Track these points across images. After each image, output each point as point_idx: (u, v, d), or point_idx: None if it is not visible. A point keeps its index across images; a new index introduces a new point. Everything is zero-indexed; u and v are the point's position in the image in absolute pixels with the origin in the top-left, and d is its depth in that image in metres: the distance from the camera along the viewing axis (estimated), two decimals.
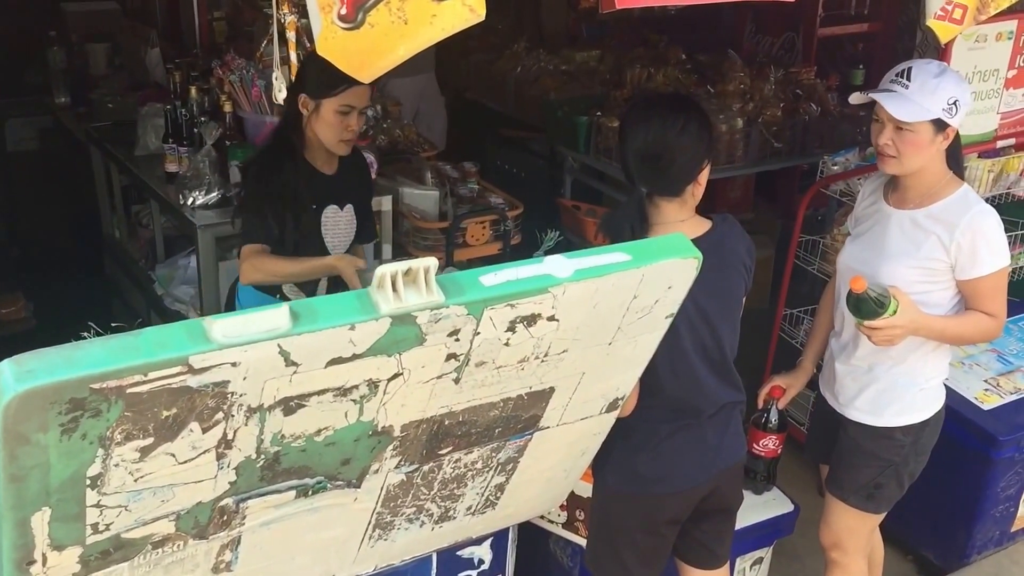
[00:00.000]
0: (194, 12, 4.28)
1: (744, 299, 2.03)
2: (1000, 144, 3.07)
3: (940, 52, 2.80)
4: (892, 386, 2.22)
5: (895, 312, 2.03)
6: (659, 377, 1.85)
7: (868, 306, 2.01)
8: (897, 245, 2.17)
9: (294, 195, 2.34)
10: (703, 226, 1.93)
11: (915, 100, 2.08)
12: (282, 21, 1.59)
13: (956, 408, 2.74)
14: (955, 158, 2.20)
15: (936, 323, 2.13)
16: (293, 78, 1.98)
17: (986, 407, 2.84)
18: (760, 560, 2.59)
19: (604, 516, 2.10)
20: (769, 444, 2.47)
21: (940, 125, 2.08)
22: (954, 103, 2.07)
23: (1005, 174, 3.09)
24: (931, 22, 1.80)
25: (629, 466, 1.99)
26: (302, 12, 1.48)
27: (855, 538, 2.35)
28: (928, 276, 2.13)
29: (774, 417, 2.44)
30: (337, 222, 2.47)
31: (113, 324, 1.76)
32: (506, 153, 4.65)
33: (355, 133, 2.36)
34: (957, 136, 2.17)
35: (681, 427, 1.97)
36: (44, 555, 1.26)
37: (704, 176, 1.91)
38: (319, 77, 2.22)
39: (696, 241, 1.81)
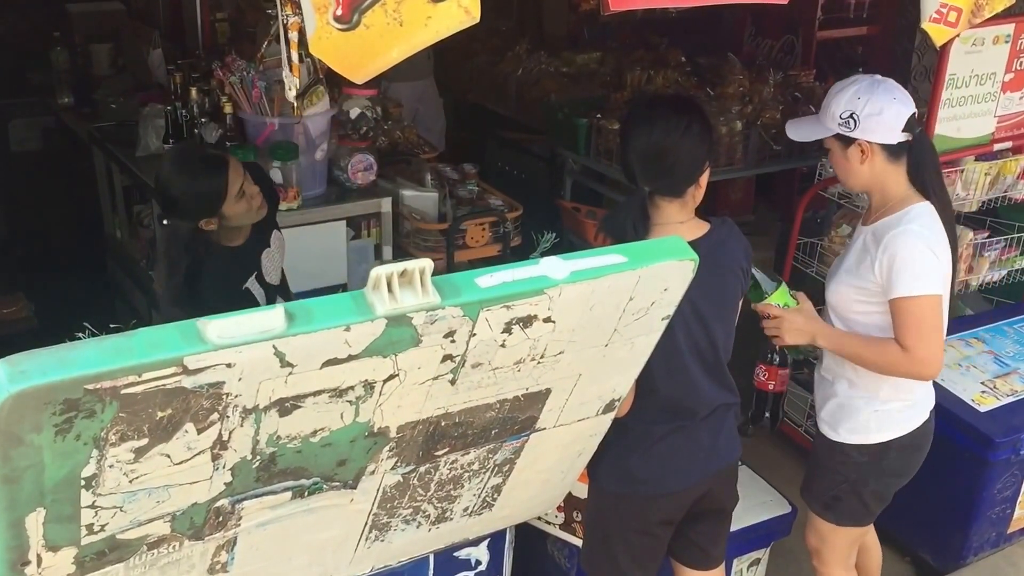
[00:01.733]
0: (197, 13, 4.29)
1: (741, 302, 2.03)
2: (997, 147, 3.07)
3: (938, 55, 2.81)
4: (847, 403, 2.21)
5: (785, 305, 2.07)
6: (653, 377, 1.86)
7: (751, 284, 2.07)
8: (848, 262, 2.16)
9: (244, 277, 2.34)
10: (702, 228, 1.94)
11: (818, 120, 2.14)
12: (285, 22, 1.59)
13: (952, 410, 2.75)
14: (919, 173, 2.11)
15: (833, 335, 2.10)
16: (296, 78, 1.97)
17: (982, 409, 2.84)
18: (757, 561, 2.59)
19: (598, 516, 2.11)
20: (762, 375, 2.30)
21: (845, 140, 2.08)
22: (849, 117, 2.05)
23: (1002, 177, 3.10)
24: (926, 25, 1.81)
25: (623, 466, 1.99)
26: None
27: (828, 548, 2.34)
28: (864, 296, 2.10)
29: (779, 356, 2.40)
30: (272, 256, 2.45)
31: (111, 324, 1.77)
32: (507, 155, 4.66)
33: (259, 194, 2.30)
34: (923, 150, 2.12)
35: (675, 428, 1.98)
36: (39, 556, 1.26)
37: (704, 178, 1.93)
38: (200, 203, 2.19)
39: (694, 243, 1.82)
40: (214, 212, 2.21)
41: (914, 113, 2.10)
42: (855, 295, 2.12)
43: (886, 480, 2.23)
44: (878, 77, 2.13)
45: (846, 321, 2.18)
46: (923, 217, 2.07)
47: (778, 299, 2.10)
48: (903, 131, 2.07)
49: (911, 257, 2.01)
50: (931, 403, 2.24)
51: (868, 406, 2.18)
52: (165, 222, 2.26)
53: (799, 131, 2.22)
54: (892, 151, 2.08)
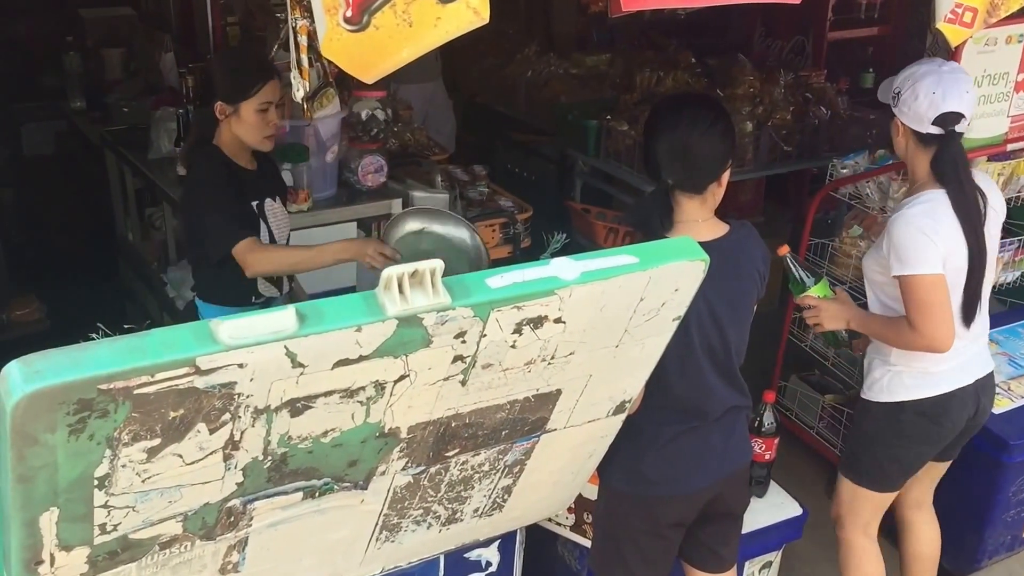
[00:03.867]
0: (208, 17, 4.31)
1: (755, 306, 2.03)
2: (1010, 147, 3.04)
3: (951, 55, 2.79)
4: (871, 360, 2.38)
5: (824, 296, 2.25)
6: (667, 376, 1.86)
7: (789, 277, 2.26)
8: (881, 239, 2.30)
9: (242, 192, 2.37)
10: (721, 229, 1.94)
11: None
12: (293, 25, 1.60)
13: None
14: (939, 171, 2.20)
15: (863, 318, 2.28)
16: (305, 81, 1.98)
17: (997, 411, 2.80)
18: (769, 564, 2.58)
19: (608, 517, 2.10)
20: (757, 448, 2.41)
21: (892, 111, 2.26)
22: (897, 93, 2.24)
23: (1015, 177, 3.07)
24: (941, 25, 1.80)
25: (634, 467, 1.99)
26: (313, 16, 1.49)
27: (849, 511, 2.43)
28: (884, 271, 2.24)
29: (768, 421, 2.43)
30: (275, 214, 2.49)
31: (126, 325, 1.78)
32: (516, 156, 4.67)
33: (276, 127, 2.38)
34: (951, 152, 2.19)
35: (687, 429, 1.97)
36: (52, 555, 1.26)
37: (725, 177, 1.94)
38: (232, 82, 2.29)
39: (713, 244, 1.82)
40: (234, 99, 2.28)
41: (954, 113, 2.16)
42: (877, 266, 2.29)
43: (901, 443, 2.32)
44: (950, 67, 2.25)
45: (874, 289, 2.33)
46: (927, 203, 2.18)
47: (819, 291, 2.26)
48: (932, 124, 2.17)
49: (901, 239, 2.15)
50: (957, 382, 2.30)
51: (883, 366, 2.33)
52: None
53: (882, 90, 2.36)
54: (921, 138, 2.21)
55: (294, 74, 1.62)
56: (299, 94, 1.66)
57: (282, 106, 2.44)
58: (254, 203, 2.42)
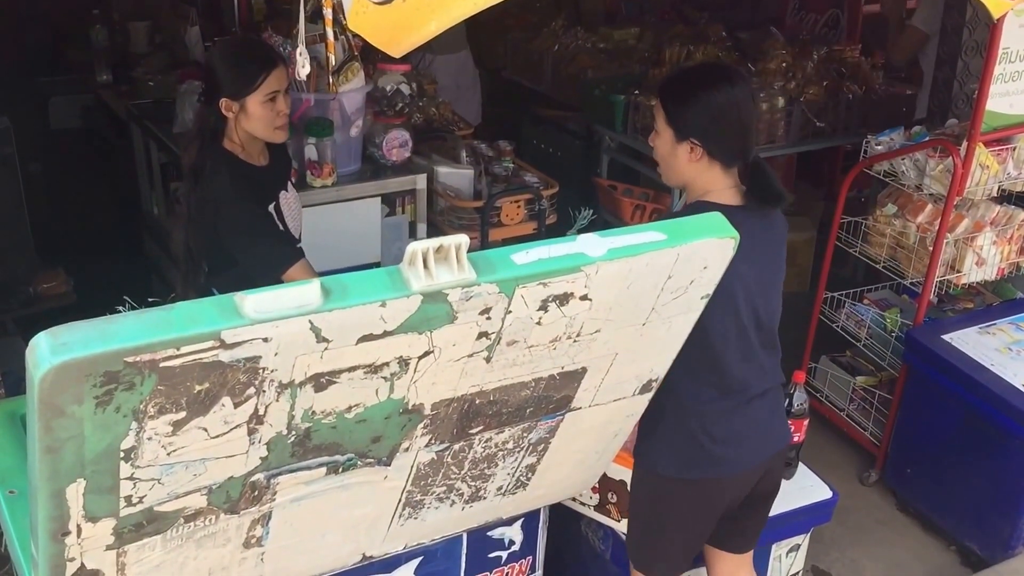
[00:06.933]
0: None
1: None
2: None
3: (990, 28, 2.71)
4: None
5: None
6: (716, 353, 1.83)
7: None
8: None
9: (264, 200, 2.28)
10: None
11: None
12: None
13: (1002, 395, 2.67)
14: None
15: None
16: (331, 55, 1.94)
17: None
18: (796, 547, 2.55)
19: (652, 505, 2.03)
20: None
21: None
22: None
23: None
24: None
25: (682, 451, 1.93)
26: None
27: None
28: None
29: (798, 401, 2.39)
30: (290, 204, 2.40)
31: (151, 299, 1.78)
32: (542, 132, 4.62)
33: (287, 116, 2.26)
34: None
35: (733, 406, 1.92)
36: (79, 526, 1.27)
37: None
38: (234, 75, 2.18)
39: (743, 208, 1.78)
40: (239, 93, 2.17)
41: None
42: None
43: None
44: None
45: None
46: None
47: None
48: None
49: None
50: None
51: None
52: (199, 99, 2.29)
53: None
54: None
55: (300, 49, 1.60)
56: (304, 71, 1.63)
57: (288, 94, 2.31)
58: (271, 207, 2.33)
